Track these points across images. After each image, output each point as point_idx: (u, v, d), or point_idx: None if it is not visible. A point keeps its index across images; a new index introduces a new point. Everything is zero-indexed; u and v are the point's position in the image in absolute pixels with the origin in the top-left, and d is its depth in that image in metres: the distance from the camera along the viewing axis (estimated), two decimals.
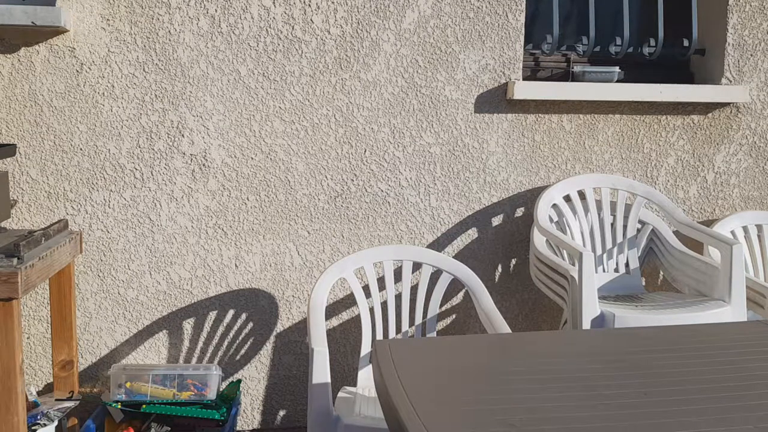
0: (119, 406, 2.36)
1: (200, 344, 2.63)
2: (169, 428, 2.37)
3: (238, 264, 2.61)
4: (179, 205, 2.55)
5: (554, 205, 2.69)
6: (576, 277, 2.29)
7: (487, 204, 2.75)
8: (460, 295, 2.77)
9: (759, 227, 2.86)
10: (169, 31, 2.47)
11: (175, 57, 2.49)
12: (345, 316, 2.71)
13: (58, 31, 2.40)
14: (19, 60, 2.42)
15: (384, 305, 2.63)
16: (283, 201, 2.60)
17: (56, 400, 2.39)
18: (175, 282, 2.58)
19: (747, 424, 1.16)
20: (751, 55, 2.87)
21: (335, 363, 2.73)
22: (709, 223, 2.90)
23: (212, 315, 2.62)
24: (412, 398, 1.25)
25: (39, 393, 2.54)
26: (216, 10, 2.48)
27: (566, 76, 2.88)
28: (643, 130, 2.83)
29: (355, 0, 2.55)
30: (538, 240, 2.62)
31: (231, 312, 2.63)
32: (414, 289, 2.51)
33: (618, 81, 2.81)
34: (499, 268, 2.80)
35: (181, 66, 2.49)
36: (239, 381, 2.62)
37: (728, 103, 2.86)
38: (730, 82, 2.87)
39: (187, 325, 2.61)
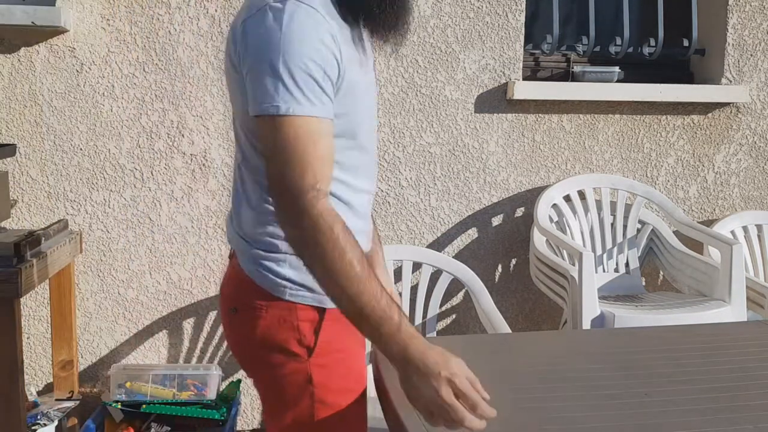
0: (119, 406, 2.36)
1: (200, 344, 2.63)
2: (169, 428, 2.37)
3: None
4: (179, 205, 2.55)
5: (554, 205, 2.69)
6: (576, 277, 2.29)
7: (487, 204, 2.74)
8: (460, 295, 2.76)
9: (759, 227, 2.86)
10: (169, 31, 2.47)
11: (175, 57, 2.48)
12: None
13: (58, 31, 2.40)
14: (19, 60, 2.42)
15: None
16: None
17: (56, 400, 2.39)
18: (175, 282, 2.58)
19: (747, 424, 1.16)
20: (751, 55, 2.87)
21: None
22: (709, 223, 2.89)
23: (212, 315, 2.62)
24: None
25: (39, 393, 2.54)
26: (216, 10, 2.48)
27: (566, 76, 2.88)
28: (643, 130, 2.83)
29: None
30: (538, 240, 2.62)
31: None
32: (414, 289, 2.51)
33: (618, 81, 2.81)
34: (499, 268, 2.80)
35: (181, 66, 2.49)
36: (239, 381, 2.62)
37: (728, 103, 2.86)
38: (730, 82, 2.86)
39: (187, 325, 2.61)
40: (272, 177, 1.13)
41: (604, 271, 2.73)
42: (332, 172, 1.16)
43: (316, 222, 1.10)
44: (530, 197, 2.77)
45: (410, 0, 1.26)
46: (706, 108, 2.86)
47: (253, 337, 1.25)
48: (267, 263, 1.23)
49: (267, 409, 1.32)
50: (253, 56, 1.11)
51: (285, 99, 1.09)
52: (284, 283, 1.22)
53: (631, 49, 2.87)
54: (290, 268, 1.22)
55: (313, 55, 1.10)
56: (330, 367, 1.25)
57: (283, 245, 1.20)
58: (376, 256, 1.45)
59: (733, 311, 2.36)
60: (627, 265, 2.74)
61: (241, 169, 1.27)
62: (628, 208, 2.75)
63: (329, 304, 1.22)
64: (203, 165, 2.54)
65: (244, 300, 1.25)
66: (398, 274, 2.62)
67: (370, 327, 1.12)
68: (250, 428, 2.70)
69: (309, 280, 1.20)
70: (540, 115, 2.74)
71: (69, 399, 2.40)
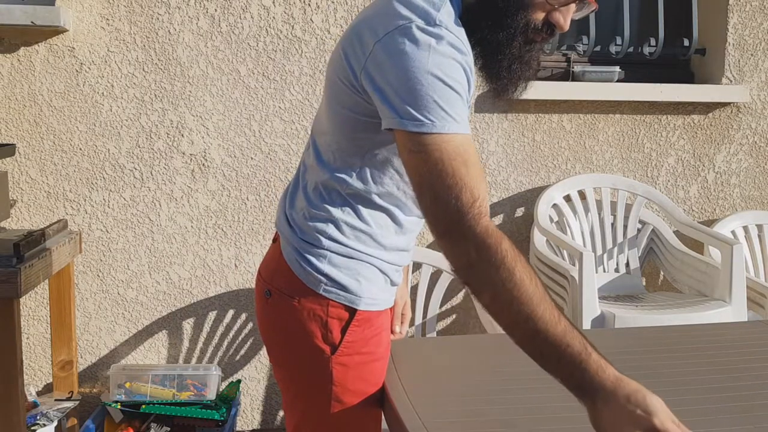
0: (119, 406, 2.36)
1: (200, 344, 2.63)
2: (169, 428, 2.37)
3: (237, 264, 2.60)
4: (179, 205, 2.55)
5: (554, 205, 2.69)
6: (576, 277, 2.29)
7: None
8: (460, 295, 2.76)
9: (759, 227, 2.86)
10: (169, 31, 2.47)
11: (174, 57, 2.48)
12: None
13: (57, 30, 2.40)
14: (18, 60, 2.42)
15: None
16: None
17: (56, 400, 2.39)
18: (174, 282, 2.58)
19: (747, 424, 1.16)
20: (752, 54, 2.86)
21: None
22: (710, 222, 2.89)
23: (212, 315, 2.62)
24: (412, 398, 1.24)
25: (39, 393, 2.54)
26: (216, 10, 2.48)
27: (566, 75, 2.88)
28: (644, 129, 2.83)
29: (354, 0, 2.55)
30: (539, 240, 2.61)
31: (231, 312, 2.63)
32: (414, 289, 2.51)
33: (618, 81, 2.81)
34: None
35: (180, 66, 2.49)
36: (239, 381, 2.61)
37: (729, 103, 2.86)
38: (731, 81, 2.86)
39: (187, 326, 2.61)
40: (427, 198, 1.09)
41: (604, 271, 2.72)
42: (486, 189, 1.11)
43: (482, 241, 1.05)
44: (530, 197, 2.76)
45: (534, 65, 1.26)
46: (706, 108, 2.86)
47: (281, 325, 1.27)
48: (308, 255, 1.24)
49: (285, 399, 1.34)
50: (397, 71, 1.08)
51: (439, 116, 1.06)
52: (320, 278, 1.23)
53: (631, 49, 2.87)
54: (329, 264, 1.23)
55: (459, 78, 1.09)
56: (351, 368, 1.25)
57: (326, 241, 1.23)
58: (404, 269, 1.46)
59: (734, 311, 2.35)
60: (627, 265, 2.74)
61: (308, 161, 1.29)
62: (628, 208, 2.75)
63: (361, 305, 1.24)
64: (203, 165, 2.54)
65: (279, 287, 1.27)
66: None
67: (546, 354, 1.02)
68: (250, 429, 2.70)
69: (345, 279, 1.23)
70: (540, 114, 2.74)
71: (68, 399, 2.40)
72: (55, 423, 2.26)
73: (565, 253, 2.61)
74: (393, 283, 1.32)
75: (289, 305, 1.25)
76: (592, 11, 1.27)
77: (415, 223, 1.31)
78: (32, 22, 2.29)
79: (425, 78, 1.06)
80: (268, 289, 1.29)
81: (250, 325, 2.64)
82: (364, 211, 1.24)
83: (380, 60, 1.10)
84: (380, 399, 1.30)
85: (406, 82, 1.07)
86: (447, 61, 1.08)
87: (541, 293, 1.03)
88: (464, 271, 1.09)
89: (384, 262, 1.27)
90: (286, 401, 1.34)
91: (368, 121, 1.16)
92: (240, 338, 2.65)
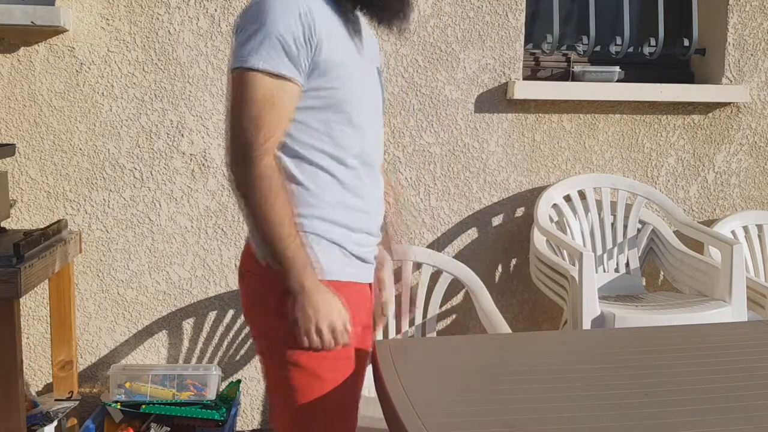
0: (119, 407, 2.36)
1: (200, 344, 2.63)
2: (169, 428, 2.37)
3: (237, 264, 2.60)
4: (179, 205, 2.55)
5: (554, 205, 2.69)
6: (576, 277, 2.29)
7: (487, 204, 2.74)
8: (460, 295, 2.76)
9: (759, 227, 2.86)
10: (169, 31, 2.47)
11: (174, 57, 2.48)
12: None
13: (57, 30, 2.40)
14: (18, 60, 2.42)
15: None
16: None
17: (56, 400, 2.39)
18: (174, 282, 2.58)
19: (747, 424, 1.16)
20: (752, 54, 2.86)
21: None
22: (710, 222, 2.89)
23: (212, 315, 2.62)
24: (412, 398, 1.24)
25: (39, 393, 2.54)
26: (216, 10, 2.48)
27: (566, 75, 2.88)
28: (644, 129, 2.83)
29: None
30: (539, 240, 2.61)
31: (231, 312, 2.63)
32: (414, 289, 2.51)
33: (618, 81, 2.81)
34: (499, 268, 2.79)
35: (180, 65, 2.49)
36: (239, 381, 2.61)
37: (729, 103, 2.86)
38: (731, 81, 2.86)
39: (187, 326, 2.61)
40: (232, 127, 1.29)
41: (604, 271, 2.72)
42: (284, 127, 1.32)
43: (260, 172, 1.27)
44: (530, 197, 2.76)
45: None
46: (706, 108, 2.86)
47: (251, 301, 1.43)
48: None
49: (263, 374, 1.46)
50: (247, 13, 1.30)
51: (259, 55, 1.25)
52: None
53: (631, 49, 2.87)
54: None
55: (293, 22, 1.26)
56: None
57: None
58: (385, 260, 1.58)
59: (733, 311, 2.35)
60: (627, 265, 2.74)
61: None
62: (628, 208, 2.75)
63: None
64: (203, 165, 2.54)
65: (247, 266, 1.43)
66: (398, 274, 2.61)
67: (274, 253, 1.31)
68: (250, 428, 2.70)
69: None
70: (540, 114, 2.74)
71: (68, 399, 2.40)
72: (55, 423, 2.26)
73: (565, 253, 2.61)
74: (355, 256, 1.41)
75: (253, 281, 1.41)
76: None
77: (362, 178, 1.40)
78: (32, 22, 2.29)
79: (261, 18, 1.25)
80: (241, 270, 1.44)
81: None
82: (294, 169, 1.35)
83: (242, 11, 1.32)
84: (348, 365, 1.41)
85: (249, 23, 1.27)
86: (282, 10, 1.25)
87: (288, 216, 1.30)
88: (243, 195, 1.30)
89: (333, 224, 1.37)
90: (265, 378, 1.45)
91: None
92: (240, 338, 2.65)
